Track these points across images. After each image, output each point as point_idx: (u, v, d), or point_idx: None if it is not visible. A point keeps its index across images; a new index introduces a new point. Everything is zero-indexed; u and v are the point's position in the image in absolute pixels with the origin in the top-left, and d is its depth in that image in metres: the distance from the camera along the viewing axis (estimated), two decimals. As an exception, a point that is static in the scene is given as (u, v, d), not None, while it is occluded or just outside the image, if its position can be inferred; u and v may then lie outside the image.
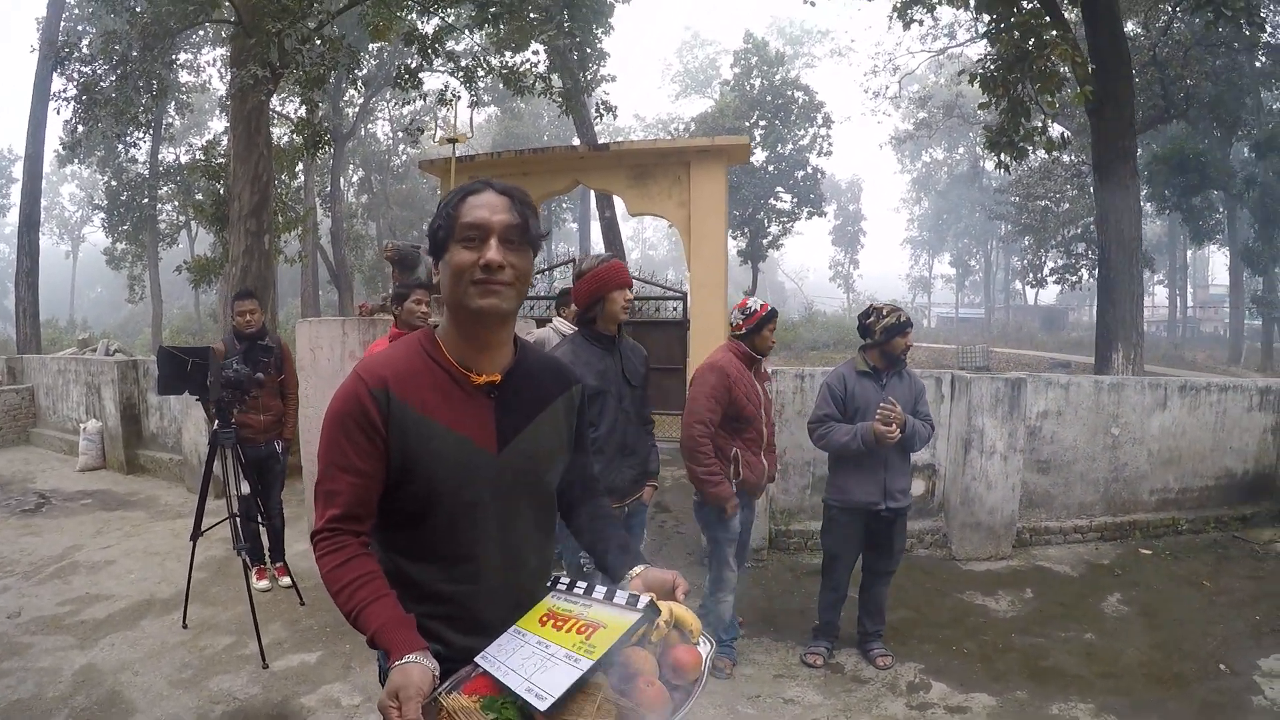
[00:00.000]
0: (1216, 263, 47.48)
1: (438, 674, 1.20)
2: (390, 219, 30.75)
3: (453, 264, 1.34)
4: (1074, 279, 24.11)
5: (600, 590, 1.37)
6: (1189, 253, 38.74)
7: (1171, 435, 6.03)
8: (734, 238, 24.79)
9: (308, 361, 5.40)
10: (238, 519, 4.24)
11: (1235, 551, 5.51)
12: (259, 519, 4.64)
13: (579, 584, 1.42)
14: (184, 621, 4.26)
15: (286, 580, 4.85)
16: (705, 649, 1.32)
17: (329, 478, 1.36)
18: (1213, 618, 4.46)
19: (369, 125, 31.21)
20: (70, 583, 5.03)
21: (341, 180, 28.35)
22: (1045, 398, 5.82)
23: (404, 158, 32.67)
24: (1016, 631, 4.34)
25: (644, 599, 1.29)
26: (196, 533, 4.23)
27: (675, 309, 10.03)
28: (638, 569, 1.46)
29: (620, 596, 1.33)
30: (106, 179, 25.28)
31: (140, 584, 5.00)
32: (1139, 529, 5.89)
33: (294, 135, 12.28)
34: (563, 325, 4.38)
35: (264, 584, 4.83)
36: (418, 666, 1.17)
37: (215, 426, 4.21)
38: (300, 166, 16.99)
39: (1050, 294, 42.20)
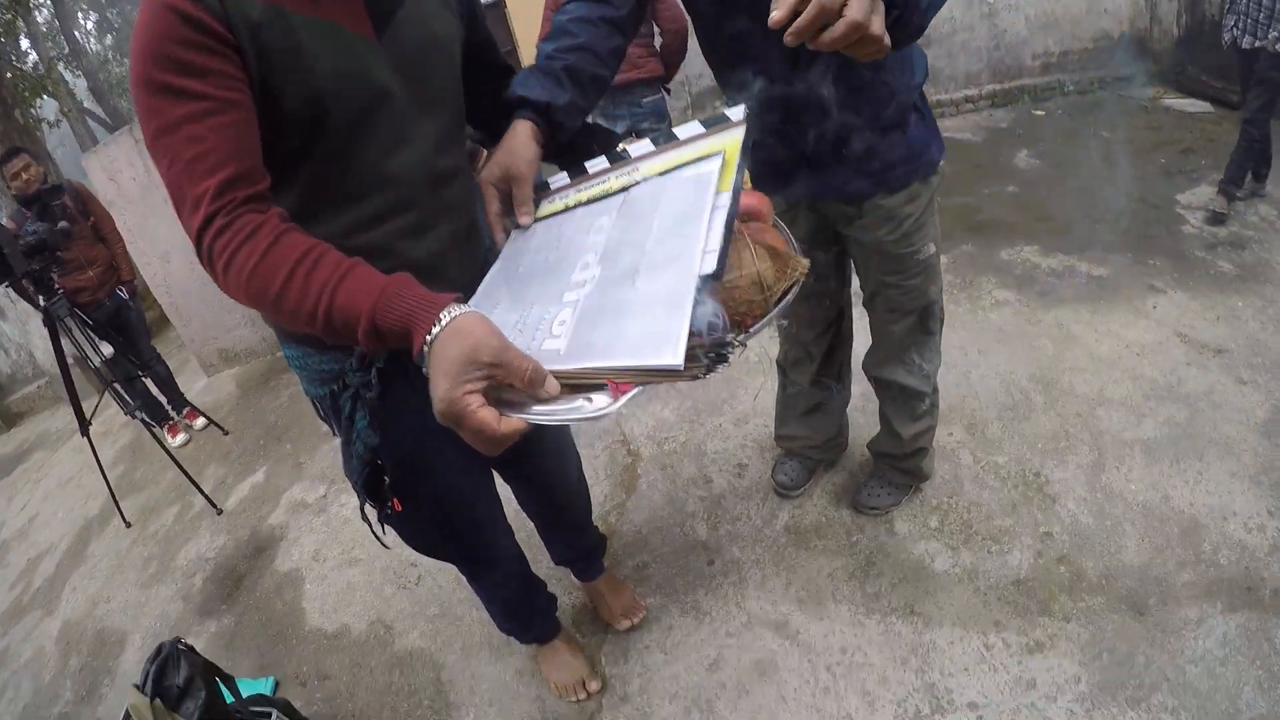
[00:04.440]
0: None
1: None
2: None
3: None
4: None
5: (686, 129, 1.03)
6: None
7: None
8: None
9: (112, 193, 4.65)
10: (116, 385, 3.72)
11: (1124, 108, 5.56)
12: (140, 374, 4.14)
13: (626, 149, 1.10)
14: (125, 521, 3.88)
15: (200, 421, 4.43)
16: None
17: (187, 142, 0.88)
18: (1122, 163, 4.56)
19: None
20: (8, 563, 4.52)
21: (77, 33, 24.01)
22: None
23: (133, -25, 27.66)
24: (941, 194, 4.35)
25: (736, 109, 0.97)
26: (84, 426, 3.69)
27: None
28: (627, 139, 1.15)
29: (691, 127, 1.02)
30: None
31: (70, 517, 4.52)
32: (1027, 93, 5.94)
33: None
34: None
35: (180, 438, 4.42)
36: (473, 317, 0.79)
37: (42, 304, 3.54)
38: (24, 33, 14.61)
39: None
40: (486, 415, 0.75)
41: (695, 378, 0.72)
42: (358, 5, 1.01)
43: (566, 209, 1.09)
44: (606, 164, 1.11)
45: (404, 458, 1.27)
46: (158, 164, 0.90)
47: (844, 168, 1.56)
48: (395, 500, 1.29)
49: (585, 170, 1.13)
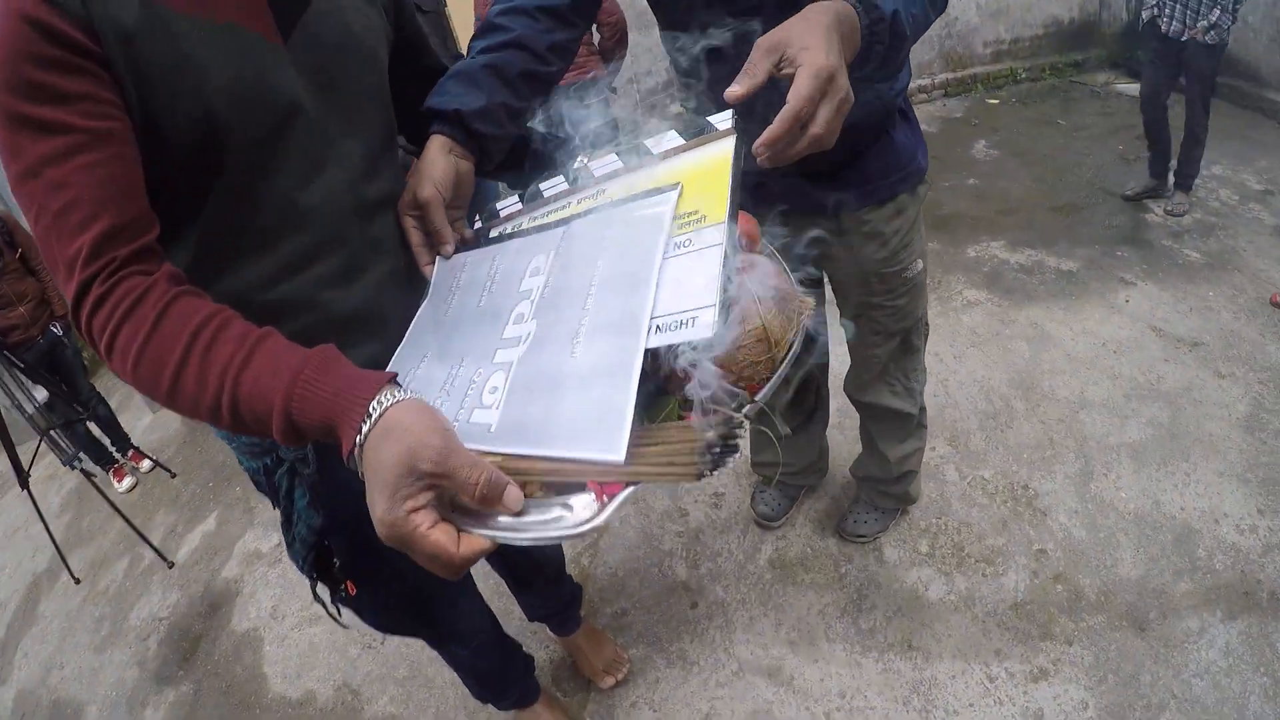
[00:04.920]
0: None
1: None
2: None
3: None
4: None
5: (661, 140, 0.85)
6: None
7: (996, -16, 5.82)
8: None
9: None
10: (55, 431, 3.46)
11: (1077, 94, 5.55)
12: (82, 416, 3.89)
13: (591, 167, 0.92)
14: (74, 578, 3.65)
15: (146, 464, 4.20)
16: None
17: (52, 189, 0.71)
18: (1079, 151, 4.53)
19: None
20: (-44, 630, 4.27)
21: None
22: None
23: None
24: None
25: (723, 115, 0.79)
26: (23, 479, 3.45)
27: None
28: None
29: (667, 138, 0.84)
30: None
31: (19, 572, 4.26)
32: (980, 82, 5.89)
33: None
34: None
35: (127, 482, 4.18)
36: (409, 409, 0.63)
37: (-28, 349, 3.31)
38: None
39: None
40: (439, 538, 0.60)
41: (701, 476, 0.59)
42: (259, 2, 0.83)
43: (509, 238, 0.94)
44: (565, 185, 0.94)
45: (354, 537, 1.09)
46: (26, 216, 0.74)
47: (824, 178, 1.43)
48: (349, 583, 1.15)
49: (540, 193, 0.96)
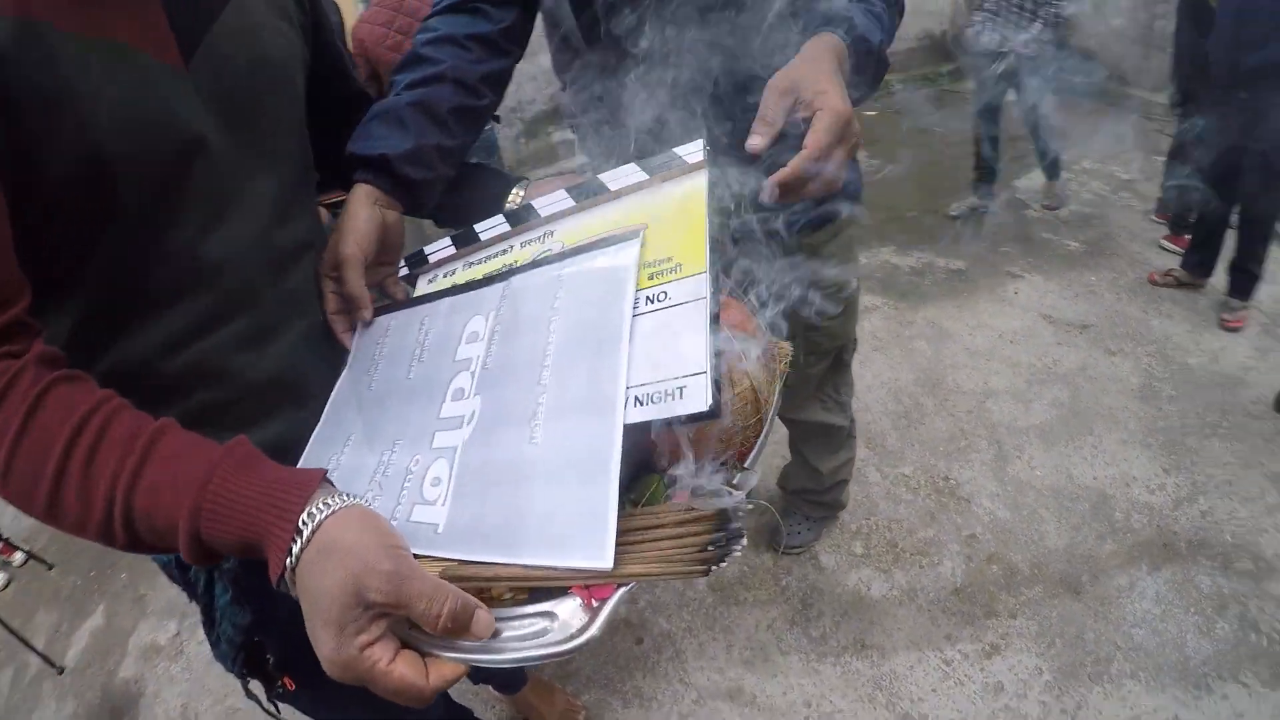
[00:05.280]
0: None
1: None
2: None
3: None
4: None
5: (618, 174, 0.76)
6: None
7: (871, 2, 6.13)
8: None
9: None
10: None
11: (949, 101, 5.84)
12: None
13: (530, 204, 0.84)
14: None
15: (18, 556, 3.80)
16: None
17: None
18: (956, 156, 4.69)
19: None
20: None
21: None
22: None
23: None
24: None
25: (692, 146, 0.72)
26: None
27: None
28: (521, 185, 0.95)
29: (625, 172, 0.75)
30: None
31: None
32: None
33: None
34: None
35: (-1, 579, 3.80)
36: (351, 521, 0.53)
37: None
38: None
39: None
40: (404, 671, 0.50)
41: (706, 572, 0.51)
42: (155, 14, 0.69)
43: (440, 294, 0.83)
44: (505, 226, 0.84)
45: (289, 632, 0.97)
46: None
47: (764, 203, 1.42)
48: (287, 679, 1.03)
49: (475, 236, 0.86)
